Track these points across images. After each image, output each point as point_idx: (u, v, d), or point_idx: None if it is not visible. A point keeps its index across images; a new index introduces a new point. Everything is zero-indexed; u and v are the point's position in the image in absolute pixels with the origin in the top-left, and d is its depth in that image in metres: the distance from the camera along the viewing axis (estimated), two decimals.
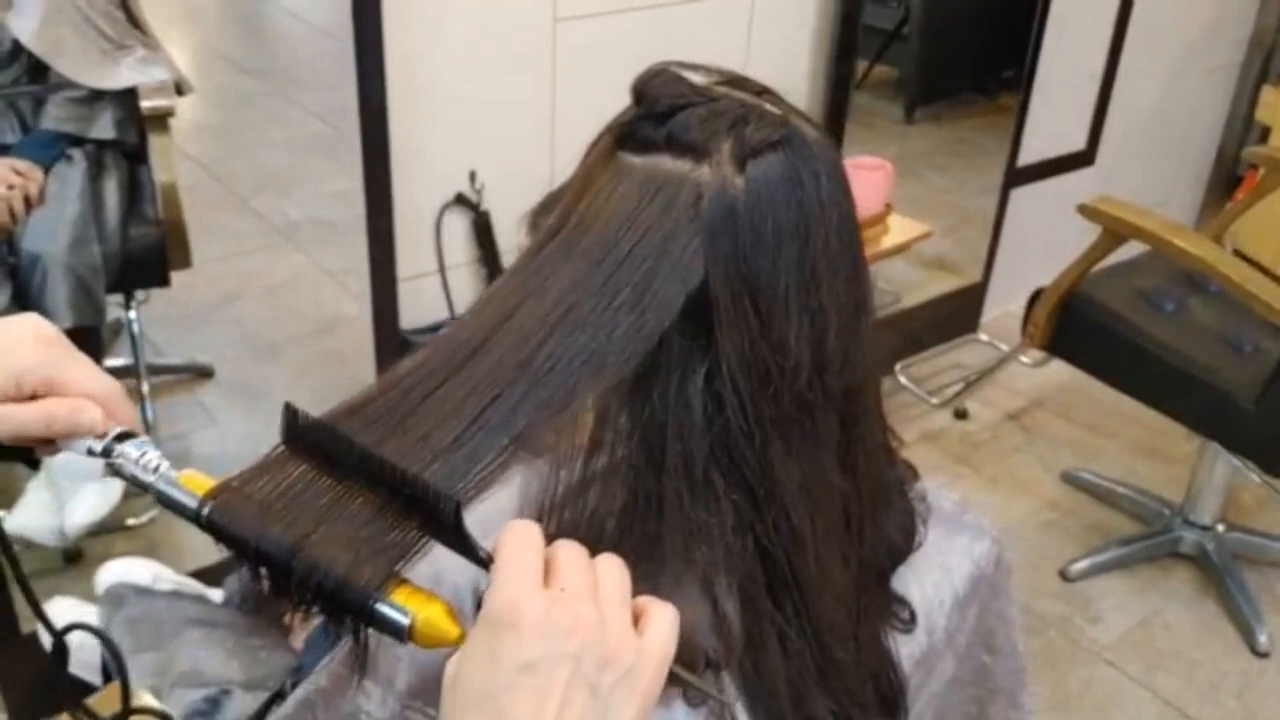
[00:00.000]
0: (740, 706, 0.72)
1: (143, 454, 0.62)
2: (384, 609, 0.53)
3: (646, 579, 0.66)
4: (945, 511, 0.90)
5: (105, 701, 0.90)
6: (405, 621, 0.53)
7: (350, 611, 0.54)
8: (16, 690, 1.77)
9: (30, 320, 0.67)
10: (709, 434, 0.66)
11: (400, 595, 0.53)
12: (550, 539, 0.58)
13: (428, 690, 0.76)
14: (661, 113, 0.65)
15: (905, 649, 0.82)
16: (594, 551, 0.61)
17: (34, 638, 1.54)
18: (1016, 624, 0.97)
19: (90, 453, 0.63)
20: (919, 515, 0.83)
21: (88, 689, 1.33)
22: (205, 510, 0.56)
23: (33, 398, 0.64)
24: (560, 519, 0.68)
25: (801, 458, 0.68)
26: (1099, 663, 2.16)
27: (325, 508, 0.55)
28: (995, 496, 2.55)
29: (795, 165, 0.65)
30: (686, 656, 0.67)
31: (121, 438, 0.63)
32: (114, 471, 0.62)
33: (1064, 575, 2.34)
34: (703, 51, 0.71)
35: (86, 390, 0.65)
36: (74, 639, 1.11)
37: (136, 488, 0.61)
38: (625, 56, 0.70)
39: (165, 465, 0.60)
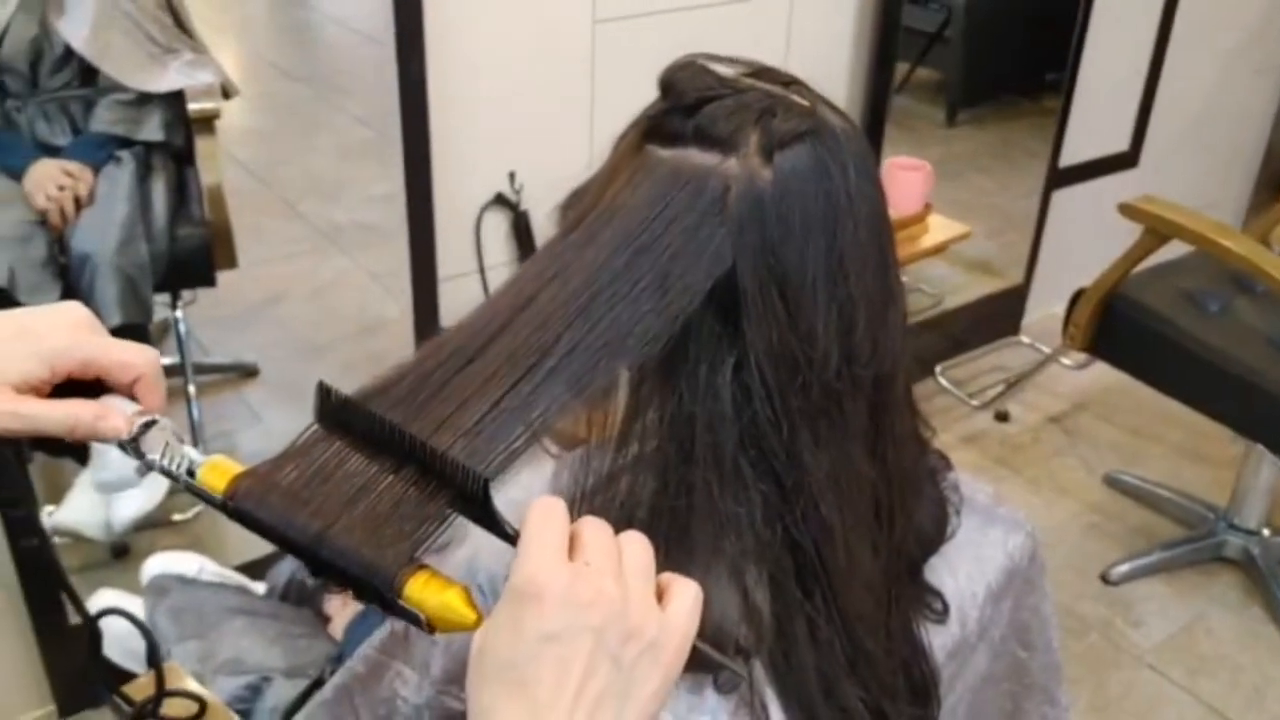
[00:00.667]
0: (771, 694, 0.72)
1: (167, 445, 0.62)
2: (401, 601, 0.53)
3: (677, 567, 0.66)
4: (979, 503, 0.90)
5: (145, 687, 0.92)
6: (421, 613, 0.53)
7: (373, 600, 0.54)
8: (63, 680, 1.81)
9: (64, 305, 0.67)
10: (738, 424, 0.66)
11: (418, 582, 0.53)
12: None
13: (462, 675, 0.77)
14: (689, 105, 0.65)
15: (937, 640, 0.82)
16: None
17: (80, 629, 1.57)
18: (1052, 620, 0.96)
19: (121, 445, 0.63)
20: (951, 505, 0.83)
21: (129, 676, 1.36)
22: (231, 499, 0.56)
23: (69, 380, 0.65)
24: (591, 507, 0.69)
25: (830, 448, 0.68)
26: (1141, 667, 2.13)
27: (353, 489, 0.55)
28: (1037, 499, 2.53)
29: (823, 156, 0.65)
30: (717, 644, 0.67)
31: (149, 425, 0.63)
32: (146, 467, 0.62)
33: (1105, 578, 2.32)
34: (740, 52, 0.72)
35: (124, 360, 0.65)
36: (119, 628, 1.13)
37: (165, 476, 0.61)
38: (664, 58, 0.71)
39: (194, 452, 0.61)
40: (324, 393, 0.57)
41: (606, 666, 0.51)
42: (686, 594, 0.55)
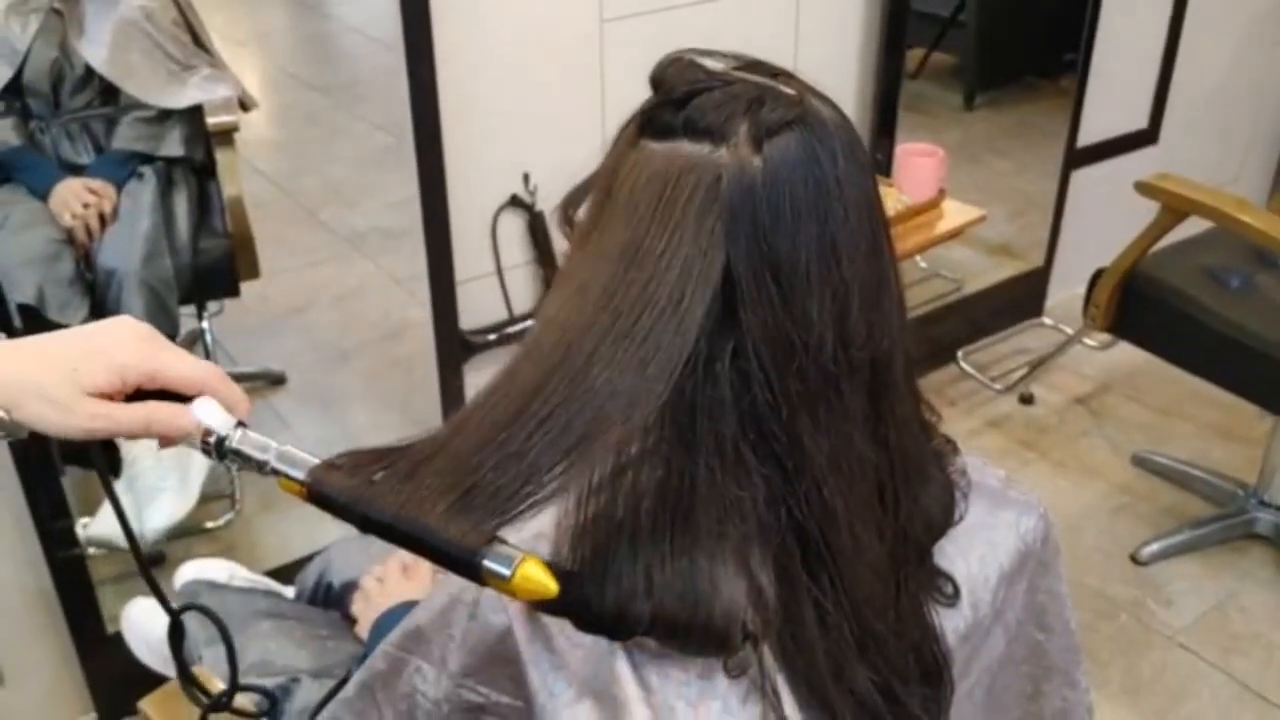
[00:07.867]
0: (780, 678, 0.73)
1: (253, 446, 0.70)
2: (489, 563, 0.59)
3: (683, 553, 0.68)
4: (990, 487, 0.90)
5: (207, 679, 0.96)
6: (507, 573, 0.59)
7: (455, 568, 0.59)
8: (104, 688, 1.85)
9: (126, 321, 0.73)
10: (737, 410, 0.67)
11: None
12: (590, 521, 0.65)
13: (480, 669, 0.78)
14: (679, 99, 0.66)
15: (949, 623, 0.82)
16: (633, 529, 0.66)
17: (119, 638, 1.60)
18: (1068, 601, 0.96)
19: (205, 451, 0.71)
20: (959, 489, 0.84)
21: (161, 680, 1.39)
22: (315, 485, 0.65)
23: (137, 390, 0.71)
24: (598, 501, 0.70)
25: (830, 431, 0.69)
26: (1173, 647, 2.12)
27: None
28: (1063, 481, 2.52)
29: (811, 143, 0.66)
30: (725, 629, 0.69)
31: (222, 441, 0.71)
32: (234, 462, 0.71)
33: (1135, 559, 2.31)
34: (749, 45, 0.73)
35: (186, 376, 0.72)
36: (148, 638, 1.15)
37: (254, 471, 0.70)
38: None
39: (274, 451, 0.69)
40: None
41: None
42: None
